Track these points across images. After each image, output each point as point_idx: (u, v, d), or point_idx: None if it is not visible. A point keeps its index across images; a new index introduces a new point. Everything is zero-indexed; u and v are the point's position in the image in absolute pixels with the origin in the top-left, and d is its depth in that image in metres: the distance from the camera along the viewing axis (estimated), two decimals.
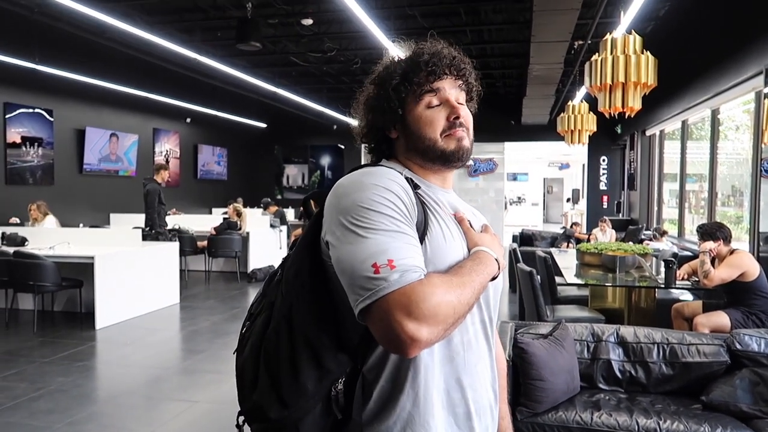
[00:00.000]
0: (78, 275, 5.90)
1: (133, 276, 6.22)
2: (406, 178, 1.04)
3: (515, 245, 7.02)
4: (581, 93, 9.63)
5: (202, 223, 9.43)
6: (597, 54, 4.70)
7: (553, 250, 6.93)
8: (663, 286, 4.34)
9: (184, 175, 13.16)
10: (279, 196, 15.90)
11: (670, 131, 9.43)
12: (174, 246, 7.17)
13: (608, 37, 4.66)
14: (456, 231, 1.05)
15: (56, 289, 5.86)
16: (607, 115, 4.92)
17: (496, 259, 1.03)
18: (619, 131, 12.48)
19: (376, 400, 1.00)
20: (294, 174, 16.58)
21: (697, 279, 4.20)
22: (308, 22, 8.48)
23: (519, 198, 23.65)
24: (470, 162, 13.12)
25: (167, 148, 12.51)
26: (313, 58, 10.44)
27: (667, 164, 9.78)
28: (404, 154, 1.13)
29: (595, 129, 8.61)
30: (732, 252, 4.03)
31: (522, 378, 2.69)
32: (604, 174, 14.12)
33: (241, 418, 1.05)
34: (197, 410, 3.72)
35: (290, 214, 12.79)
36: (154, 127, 12.01)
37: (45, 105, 9.04)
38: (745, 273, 3.89)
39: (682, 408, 2.64)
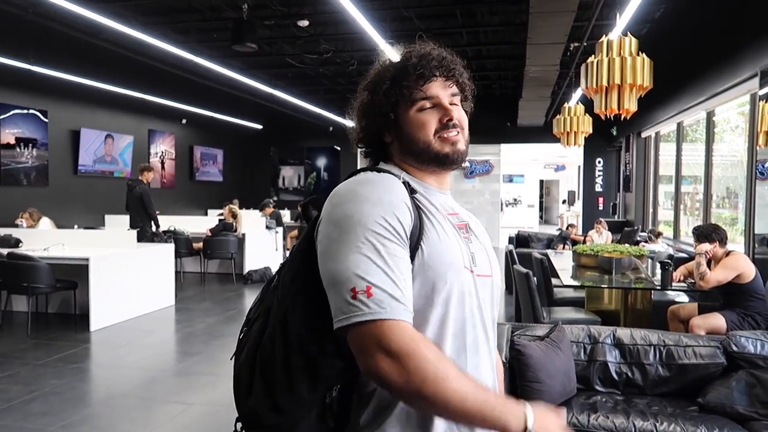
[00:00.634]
0: (72, 277, 5.87)
1: (128, 278, 6.19)
2: (404, 182, 1.04)
3: (511, 247, 7.02)
4: (577, 95, 9.66)
5: (198, 224, 9.39)
6: (593, 56, 4.70)
7: (549, 251, 6.94)
8: (659, 287, 4.34)
9: (179, 176, 13.12)
10: (275, 198, 15.89)
11: (666, 133, 9.46)
12: (169, 248, 7.14)
13: (604, 39, 4.67)
14: (451, 231, 1.05)
15: (50, 290, 5.82)
16: (603, 117, 4.93)
17: (526, 428, 0.88)
18: (614, 133, 12.51)
19: (374, 405, 0.99)
20: (290, 176, 16.56)
21: (693, 281, 4.21)
22: (304, 23, 8.47)
23: (515, 200, 23.69)
24: (466, 164, 13.15)
25: (163, 149, 12.48)
26: (309, 60, 10.43)
27: (663, 166, 9.81)
28: (400, 157, 1.12)
29: (590, 131, 8.63)
30: (728, 254, 4.04)
31: (519, 380, 2.68)
32: (599, 176, 14.16)
33: (239, 424, 1.04)
34: (192, 413, 3.70)
35: (286, 216, 12.77)
36: (150, 128, 11.98)
37: (39, 106, 9.00)
38: (741, 275, 3.90)
39: (679, 410, 2.63)
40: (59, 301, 6.40)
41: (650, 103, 7.64)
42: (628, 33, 4.71)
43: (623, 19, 5.55)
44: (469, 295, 1.02)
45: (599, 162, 14.10)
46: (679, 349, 2.86)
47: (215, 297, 7.59)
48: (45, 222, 7.42)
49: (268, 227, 9.86)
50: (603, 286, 4.68)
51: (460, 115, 1.10)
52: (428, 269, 0.97)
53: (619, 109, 4.60)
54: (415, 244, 0.98)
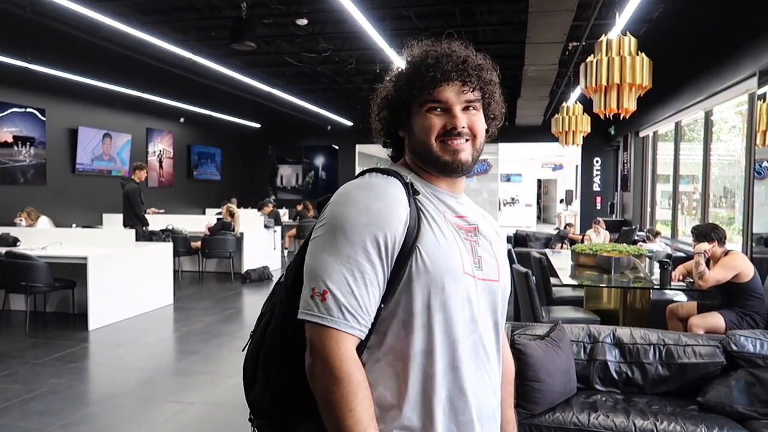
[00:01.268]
0: (71, 276, 5.85)
1: (127, 277, 6.17)
2: (408, 183, 1.03)
3: (509, 246, 7.03)
4: (576, 94, 9.66)
5: (196, 223, 9.38)
6: (592, 55, 4.71)
7: (547, 251, 6.94)
8: (658, 287, 4.35)
9: (177, 175, 13.10)
10: (273, 197, 15.87)
11: (664, 133, 9.48)
12: (167, 247, 7.13)
13: (603, 38, 4.67)
14: (451, 235, 1.03)
15: (48, 289, 5.80)
16: (602, 117, 4.93)
17: None
18: (612, 132, 12.53)
19: (375, 406, 0.98)
20: (288, 174, 16.55)
21: (691, 280, 4.21)
22: (303, 22, 8.46)
23: (512, 199, 23.71)
24: None
25: (161, 147, 12.46)
26: (308, 59, 10.42)
27: (661, 165, 9.83)
28: (410, 155, 1.12)
29: (589, 130, 8.64)
30: (726, 253, 4.05)
31: (519, 379, 2.68)
32: (597, 175, 14.19)
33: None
34: (191, 412, 3.69)
35: (284, 215, 12.75)
36: (148, 126, 11.96)
37: (37, 104, 8.97)
38: (740, 274, 3.90)
39: (679, 409, 2.64)
40: (57, 300, 6.39)
41: (648, 103, 7.66)
42: (627, 32, 4.72)
43: (622, 18, 5.56)
44: (469, 300, 1.01)
45: (597, 161, 14.13)
46: (678, 349, 2.86)
47: (213, 296, 7.58)
48: (43, 221, 7.41)
49: (266, 226, 9.85)
50: (602, 285, 4.68)
51: (471, 123, 1.06)
52: (425, 273, 0.97)
53: (618, 108, 4.61)
54: (410, 246, 0.98)
